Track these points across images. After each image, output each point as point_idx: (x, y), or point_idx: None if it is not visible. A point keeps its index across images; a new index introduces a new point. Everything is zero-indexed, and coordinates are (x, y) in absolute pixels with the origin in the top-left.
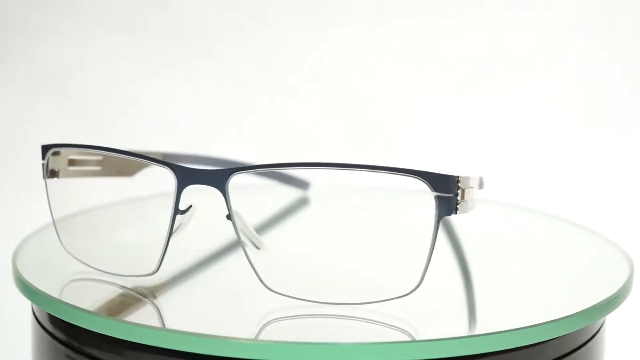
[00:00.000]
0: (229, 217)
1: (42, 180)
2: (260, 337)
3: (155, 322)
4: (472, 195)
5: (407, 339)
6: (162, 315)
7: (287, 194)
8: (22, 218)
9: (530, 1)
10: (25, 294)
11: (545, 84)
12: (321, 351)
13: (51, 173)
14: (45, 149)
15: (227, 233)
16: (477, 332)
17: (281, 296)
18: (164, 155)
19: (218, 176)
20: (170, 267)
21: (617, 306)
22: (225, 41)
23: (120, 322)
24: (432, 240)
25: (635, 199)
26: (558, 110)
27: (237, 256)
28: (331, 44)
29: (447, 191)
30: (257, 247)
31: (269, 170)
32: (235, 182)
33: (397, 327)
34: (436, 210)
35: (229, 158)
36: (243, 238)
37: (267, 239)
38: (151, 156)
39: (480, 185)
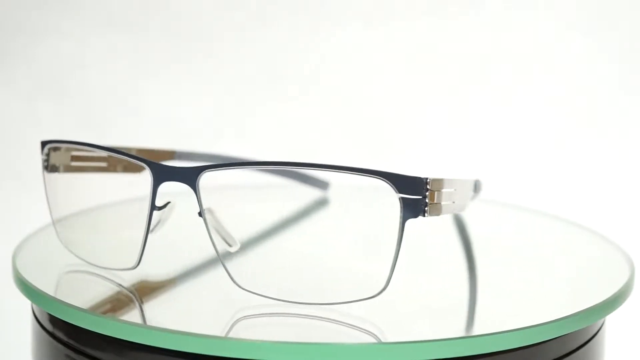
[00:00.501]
0: (200, 214)
1: (42, 180)
2: (233, 334)
3: (152, 322)
4: (453, 198)
5: (374, 340)
6: (157, 314)
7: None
8: (22, 218)
9: (530, 1)
10: (25, 293)
11: (545, 84)
12: (281, 350)
13: (52, 168)
14: (43, 144)
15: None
16: (476, 333)
17: (256, 295)
18: (180, 153)
19: (190, 173)
20: (166, 264)
21: (618, 307)
22: (225, 41)
23: (120, 322)
24: (397, 243)
25: (635, 199)
26: (558, 110)
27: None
28: (331, 44)
29: (412, 193)
30: (230, 245)
31: (241, 168)
32: (215, 180)
33: (363, 329)
34: (401, 212)
35: (244, 158)
36: (214, 236)
37: (242, 237)
38: (130, 152)
39: (476, 188)
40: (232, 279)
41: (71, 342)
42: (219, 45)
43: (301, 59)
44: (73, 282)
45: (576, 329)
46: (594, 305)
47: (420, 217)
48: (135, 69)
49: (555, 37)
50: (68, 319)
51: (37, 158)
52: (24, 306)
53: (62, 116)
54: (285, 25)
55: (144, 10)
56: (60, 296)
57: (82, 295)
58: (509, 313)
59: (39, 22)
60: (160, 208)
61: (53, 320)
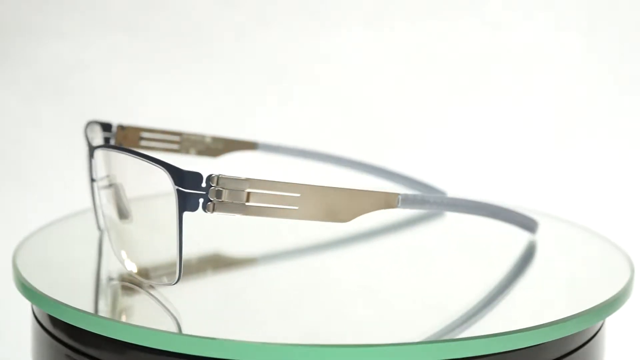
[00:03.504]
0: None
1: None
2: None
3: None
4: (277, 201)
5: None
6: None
7: None
8: (22, 218)
9: (530, 1)
10: (25, 295)
11: (545, 84)
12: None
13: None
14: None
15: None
16: (476, 334)
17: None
18: (262, 145)
19: (92, 150)
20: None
21: (618, 308)
22: (226, 41)
23: (120, 322)
24: (178, 234)
25: (635, 199)
26: (558, 111)
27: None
28: (332, 44)
29: (189, 187)
30: (120, 218)
31: (125, 154)
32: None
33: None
34: (177, 203)
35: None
36: (108, 207)
37: (139, 213)
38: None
39: (399, 203)
40: (111, 246)
41: (71, 342)
42: (219, 45)
43: (301, 60)
44: (73, 282)
45: (576, 331)
46: (594, 307)
47: (201, 212)
48: (135, 69)
49: (555, 37)
50: (68, 319)
51: (37, 158)
52: (24, 306)
53: (62, 116)
54: (286, 26)
55: (144, 10)
56: (60, 297)
57: (82, 295)
58: (509, 314)
59: (39, 23)
60: (95, 180)
61: (53, 320)
